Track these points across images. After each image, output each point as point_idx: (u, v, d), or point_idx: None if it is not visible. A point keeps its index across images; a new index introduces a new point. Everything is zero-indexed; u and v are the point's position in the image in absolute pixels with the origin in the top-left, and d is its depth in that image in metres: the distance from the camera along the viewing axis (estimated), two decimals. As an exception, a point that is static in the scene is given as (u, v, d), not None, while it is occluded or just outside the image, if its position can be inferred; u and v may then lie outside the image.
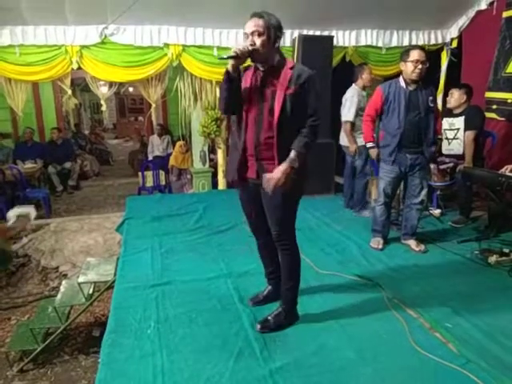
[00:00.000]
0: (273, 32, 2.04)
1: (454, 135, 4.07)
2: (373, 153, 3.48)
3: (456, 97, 4.00)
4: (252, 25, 2.03)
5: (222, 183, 5.69)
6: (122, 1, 4.10)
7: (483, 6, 4.99)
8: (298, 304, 2.38)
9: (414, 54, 3.09)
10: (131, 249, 3.45)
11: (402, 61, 3.19)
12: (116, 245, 4.82)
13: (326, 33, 5.10)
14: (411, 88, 3.17)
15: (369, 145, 3.49)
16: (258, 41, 2.02)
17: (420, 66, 3.07)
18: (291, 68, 2.08)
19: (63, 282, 3.71)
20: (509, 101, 4.62)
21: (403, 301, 2.57)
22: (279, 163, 2.05)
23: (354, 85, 4.25)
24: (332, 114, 4.68)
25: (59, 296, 3.46)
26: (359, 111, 4.12)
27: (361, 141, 4.19)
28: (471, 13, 5.17)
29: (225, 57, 2.00)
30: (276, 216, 2.18)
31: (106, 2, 4.23)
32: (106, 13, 4.36)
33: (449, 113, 4.12)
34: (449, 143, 4.14)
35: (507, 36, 4.64)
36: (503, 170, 3.33)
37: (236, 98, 2.09)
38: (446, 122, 4.14)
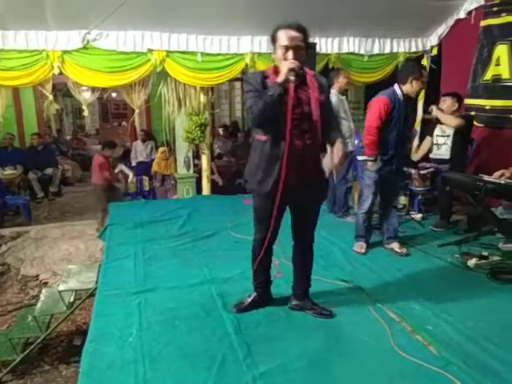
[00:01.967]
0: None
1: (444, 141, 4.17)
2: (373, 166, 3.32)
3: (449, 103, 4.11)
4: (292, 38, 2.05)
5: (206, 189, 5.67)
6: (105, 6, 4.07)
7: (462, 15, 5.11)
8: (282, 309, 2.38)
9: (425, 75, 3.22)
10: (114, 255, 3.40)
11: (413, 78, 3.19)
12: (98, 252, 4.76)
13: (309, 40, 5.14)
14: (404, 99, 3.26)
15: (373, 157, 3.30)
16: (299, 55, 2.07)
17: None
18: (313, 75, 2.21)
19: (43, 291, 3.64)
20: (487, 107, 4.74)
21: (386, 304, 2.59)
22: (318, 164, 2.25)
23: (331, 89, 4.31)
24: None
25: (39, 305, 3.39)
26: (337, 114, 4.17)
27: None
28: (450, 21, 5.30)
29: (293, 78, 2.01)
30: (316, 215, 2.39)
31: (89, 8, 4.20)
32: (88, 18, 4.32)
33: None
34: (438, 148, 4.24)
35: (485, 44, 4.77)
36: (496, 174, 3.33)
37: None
38: (439, 129, 4.23)
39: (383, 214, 3.62)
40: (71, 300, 3.34)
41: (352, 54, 5.41)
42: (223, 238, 3.82)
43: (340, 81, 4.25)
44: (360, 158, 3.56)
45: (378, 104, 3.24)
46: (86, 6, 4.16)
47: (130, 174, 6.09)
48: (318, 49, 5.11)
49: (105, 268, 3.18)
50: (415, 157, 4.65)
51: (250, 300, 2.54)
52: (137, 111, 5.14)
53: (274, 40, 2.13)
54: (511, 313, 2.53)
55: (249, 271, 3.03)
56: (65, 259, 4.79)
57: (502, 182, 3.10)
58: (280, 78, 2.02)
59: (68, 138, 11.74)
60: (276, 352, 2.13)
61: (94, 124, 16.16)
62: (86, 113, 5.07)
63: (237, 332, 2.28)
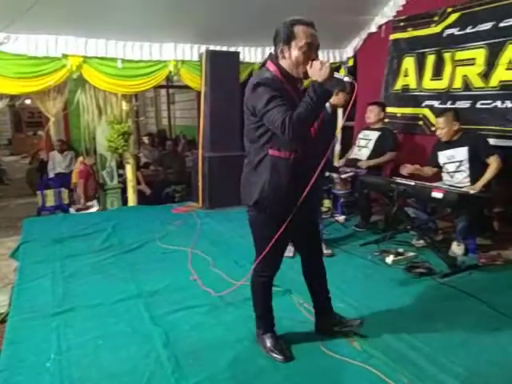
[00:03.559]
0: None
1: (366, 144, 4.52)
2: None
3: (376, 112, 4.48)
4: (313, 35, 1.87)
5: (132, 199, 5.47)
6: (13, 8, 3.78)
7: (373, 29, 5.49)
8: (211, 317, 2.35)
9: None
10: (28, 275, 3.14)
11: (339, 89, 3.41)
12: (11, 273, 4.35)
13: (232, 49, 5.21)
14: (331, 111, 3.43)
15: None
16: (317, 53, 1.93)
17: None
18: None
19: None
20: (398, 115, 5.13)
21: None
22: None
23: None
24: (241, 128, 4.76)
25: None
26: None
27: None
28: (363, 34, 5.66)
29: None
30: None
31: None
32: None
33: (367, 127, 4.63)
34: (359, 150, 4.58)
35: (394, 56, 5.17)
36: (401, 168, 3.74)
37: None
38: (362, 133, 4.63)
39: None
40: (-21, 328, 3.02)
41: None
42: (150, 249, 3.70)
43: None
44: None
45: None
46: (-10, 7, 3.83)
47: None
48: (241, 58, 5.19)
49: (18, 290, 2.92)
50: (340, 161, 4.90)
51: (274, 344, 2.18)
52: (52, 119, 4.84)
53: (290, 37, 1.86)
54: (426, 303, 2.74)
55: (177, 282, 3.00)
56: (-28, 283, 4.32)
57: (412, 183, 3.35)
58: (322, 78, 1.80)
59: (-25, 149, 10.70)
60: (206, 363, 2.09)
61: (5, 134, 14.96)
62: (-7, 122, 4.66)
63: (165, 345, 2.21)
